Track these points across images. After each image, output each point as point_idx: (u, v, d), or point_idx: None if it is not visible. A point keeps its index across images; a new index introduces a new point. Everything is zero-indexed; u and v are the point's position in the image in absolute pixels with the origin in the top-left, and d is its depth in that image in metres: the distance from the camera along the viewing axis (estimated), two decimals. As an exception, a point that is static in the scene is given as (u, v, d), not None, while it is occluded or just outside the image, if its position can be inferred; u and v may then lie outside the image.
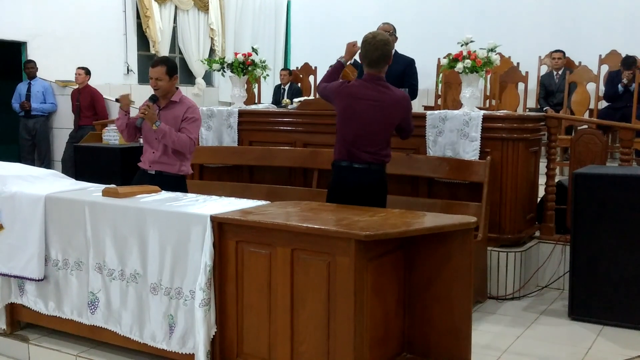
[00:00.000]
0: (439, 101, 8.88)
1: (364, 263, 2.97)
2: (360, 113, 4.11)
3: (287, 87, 10.21)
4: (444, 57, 5.30)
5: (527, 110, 8.44)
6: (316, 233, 3.01)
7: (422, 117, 5.17)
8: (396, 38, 5.85)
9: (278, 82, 11.00)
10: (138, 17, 10.70)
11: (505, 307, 4.74)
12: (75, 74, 8.80)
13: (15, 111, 9.02)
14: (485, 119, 4.91)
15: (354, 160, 4.13)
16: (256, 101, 9.96)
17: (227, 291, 3.32)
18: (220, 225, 3.29)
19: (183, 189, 4.67)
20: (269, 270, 3.18)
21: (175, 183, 4.60)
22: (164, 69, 4.54)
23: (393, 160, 5.09)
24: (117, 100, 4.65)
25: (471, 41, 5.03)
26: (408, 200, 5.00)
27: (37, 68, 8.96)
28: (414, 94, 5.72)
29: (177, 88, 4.70)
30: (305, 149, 5.65)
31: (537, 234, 5.32)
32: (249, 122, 6.03)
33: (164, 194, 3.90)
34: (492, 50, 5.00)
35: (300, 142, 5.74)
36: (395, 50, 5.78)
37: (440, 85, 8.34)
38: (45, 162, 8.99)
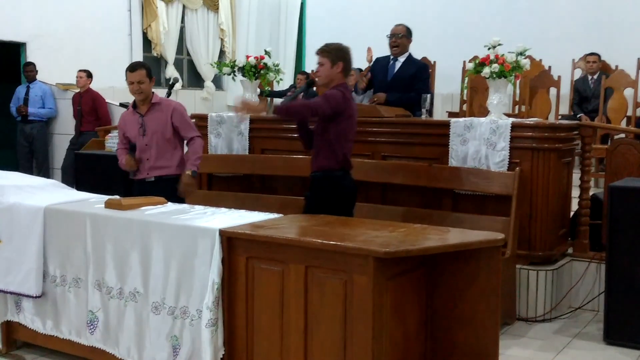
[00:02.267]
0: (464, 107, 8.87)
1: (383, 282, 2.96)
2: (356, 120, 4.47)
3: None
4: (470, 61, 5.30)
5: (560, 117, 8.40)
6: (332, 249, 3.01)
7: (446, 124, 5.17)
8: (410, 40, 5.91)
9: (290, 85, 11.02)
10: (144, 17, 10.78)
11: (536, 330, 4.71)
12: (77, 77, 8.87)
13: (14, 115, 9.11)
14: (514, 127, 4.90)
15: (348, 167, 4.43)
16: (268, 106, 10.00)
17: (237, 311, 3.33)
18: (230, 240, 3.30)
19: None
20: (282, 289, 3.18)
21: (174, 185, 4.82)
22: (144, 71, 4.81)
23: (414, 171, 5.14)
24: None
25: (499, 44, 5.02)
26: (430, 214, 5.00)
27: (36, 71, 9.04)
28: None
29: (153, 92, 4.94)
30: (320, 158, 5.65)
31: (570, 251, 5.29)
32: (261, 129, 6.05)
33: (170, 206, 3.92)
34: (521, 54, 4.99)
35: (315, 151, 5.74)
36: (410, 54, 5.89)
37: (465, 90, 8.32)
38: (43, 169, 9.06)
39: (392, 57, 6.02)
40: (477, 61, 5.12)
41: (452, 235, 3.44)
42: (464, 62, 8.97)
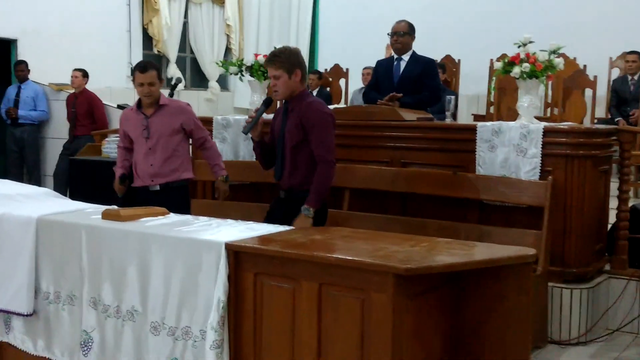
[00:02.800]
0: (492, 110, 8.86)
1: (403, 301, 2.95)
2: None
3: (315, 93, 10.25)
4: (498, 60, 5.30)
5: (596, 121, 8.38)
6: (348, 265, 3.00)
7: (472, 129, 5.17)
8: (414, 37, 5.98)
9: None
10: (144, 11, 10.84)
11: (569, 354, 4.69)
12: (72, 77, 8.91)
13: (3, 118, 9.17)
14: (547, 132, 4.89)
15: None
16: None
17: (244, 331, 3.33)
18: (237, 255, 3.30)
19: (188, 198, 5.05)
20: (293, 308, 3.17)
21: (182, 194, 4.96)
22: (155, 73, 4.86)
23: (437, 179, 5.13)
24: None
25: (530, 42, 5.02)
26: (455, 227, 4.99)
27: (28, 70, 9.10)
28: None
29: (161, 93, 5.01)
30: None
31: (607, 267, 5.27)
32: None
33: (173, 217, 3.93)
34: (554, 52, 4.99)
35: (330, 157, 5.75)
36: (414, 51, 6.00)
37: (493, 91, 8.31)
38: (34, 176, 9.11)
39: (395, 57, 6.09)
40: (505, 60, 5.13)
41: (478, 251, 3.43)
42: (491, 60, 8.94)
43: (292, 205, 4.32)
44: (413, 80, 5.94)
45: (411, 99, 5.84)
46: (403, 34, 5.98)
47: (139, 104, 4.93)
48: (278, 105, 4.51)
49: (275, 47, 6.42)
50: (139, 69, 4.85)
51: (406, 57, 6.03)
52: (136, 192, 4.95)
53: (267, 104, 4.46)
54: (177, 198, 4.81)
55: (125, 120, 5.03)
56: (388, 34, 6.10)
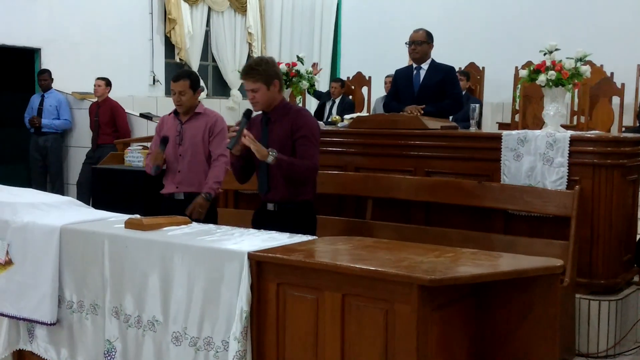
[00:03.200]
0: (517, 118, 8.82)
1: (428, 313, 2.94)
2: None
3: (337, 101, 10.24)
4: (523, 67, 5.29)
5: (623, 129, 8.31)
6: (371, 276, 2.99)
7: (497, 137, 5.15)
8: (432, 46, 6.08)
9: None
10: (166, 20, 10.93)
11: (598, 368, 4.65)
12: (94, 85, 9.00)
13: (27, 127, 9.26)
14: (573, 141, 4.86)
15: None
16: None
17: (266, 342, 3.32)
18: (259, 264, 3.30)
19: (214, 210, 5.08)
20: (316, 319, 3.17)
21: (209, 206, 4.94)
22: (188, 82, 4.98)
23: (462, 189, 5.11)
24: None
25: (556, 49, 5.00)
26: (479, 237, 4.97)
27: (52, 79, 9.19)
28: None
29: (199, 101, 5.13)
30: (357, 173, 5.66)
31: (636, 279, 5.22)
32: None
33: (195, 226, 3.95)
34: (581, 59, 4.97)
35: (352, 166, 5.75)
36: (432, 59, 6.03)
37: (518, 99, 8.28)
38: (57, 185, 9.19)
39: (414, 66, 6.10)
40: (531, 67, 5.12)
41: (504, 261, 3.40)
42: (516, 68, 8.92)
43: (286, 218, 4.31)
44: (433, 88, 5.95)
45: (434, 108, 5.84)
46: (421, 43, 5.99)
47: (176, 110, 5.04)
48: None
49: (297, 56, 6.51)
50: (173, 78, 5.03)
51: (425, 65, 6.04)
52: (161, 200, 5.00)
53: (248, 116, 4.43)
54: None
55: (162, 126, 5.18)
56: (406, 44, 6.10)
